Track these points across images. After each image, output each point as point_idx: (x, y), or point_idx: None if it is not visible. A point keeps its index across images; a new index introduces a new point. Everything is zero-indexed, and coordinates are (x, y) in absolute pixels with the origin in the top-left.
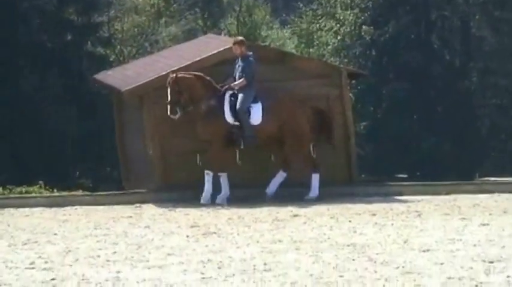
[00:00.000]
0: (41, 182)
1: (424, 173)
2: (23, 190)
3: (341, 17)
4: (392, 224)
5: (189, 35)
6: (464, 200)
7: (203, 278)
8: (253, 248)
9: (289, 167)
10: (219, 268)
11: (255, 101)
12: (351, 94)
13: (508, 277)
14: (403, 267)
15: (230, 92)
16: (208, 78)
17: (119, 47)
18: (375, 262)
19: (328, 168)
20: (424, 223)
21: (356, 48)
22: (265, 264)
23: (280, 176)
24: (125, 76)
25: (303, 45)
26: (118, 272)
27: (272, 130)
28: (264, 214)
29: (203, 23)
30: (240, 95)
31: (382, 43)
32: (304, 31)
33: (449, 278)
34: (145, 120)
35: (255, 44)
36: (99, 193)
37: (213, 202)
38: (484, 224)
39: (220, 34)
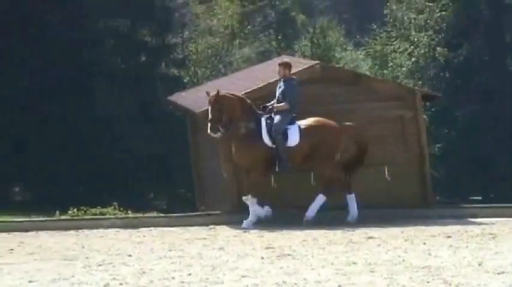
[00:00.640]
0: (115, 203)
1: (498, 195)
2: (98, 211)
3: (415, 39)
4: (467, 247)
5: (263, 56)
6: None
7: None
8: (328, 270)
9: (328, 190)
10: None
11: (292, 123)
12: (425, 116)
13: None
14: None
15: (266, 115)
16: (249, 101)
17: (193, 68)
18: (450, 284)
19: (403, 190)
20: (499, 245)
21: (430, 70)
22: (339, 286)
23: (320, 200)
24: (199, 98)
25: (377, 66)
26: None
27: (306, 151)
28: (339, 236)
29: (277, 44)
30: (277, 117)
31: (456, 65)
32: (378, 53)
33: None
34: (219, 142)
35: (329, 65)
36: (173, 215)
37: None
38: None
39: (294, 56)
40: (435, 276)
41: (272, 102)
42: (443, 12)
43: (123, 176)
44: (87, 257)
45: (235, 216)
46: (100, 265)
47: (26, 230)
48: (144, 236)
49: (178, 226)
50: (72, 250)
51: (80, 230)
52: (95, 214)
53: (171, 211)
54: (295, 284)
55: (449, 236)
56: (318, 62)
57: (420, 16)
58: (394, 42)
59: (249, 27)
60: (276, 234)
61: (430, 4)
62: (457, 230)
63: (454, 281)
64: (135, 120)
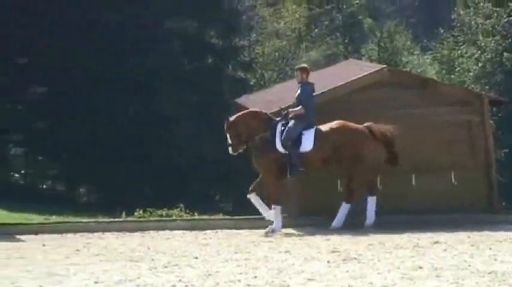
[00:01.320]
0: (181, 205)
1: None
2: (164, 213)
3: (482, 44)
4: None
5: (330, 60)
6: None
7: None
8: (394, 275)
9: (351, 198)
10: None
11: (309, 127)
12: (492, 121)
13: None
14: None
15: (282, 122)
16: (263, 112)
17: (259, 71)
18: None
19: (469, 195)
20: None
21: (497, 76)
22: None
23: (344, 208)
24: (266, 100)
25: (444, 71)
26: None
27: (327, 155)
28: (405, 240)
29: (344, 48)
30: (291, 123)
31: None
32: (445, 57)
33: None
34: None
35: (396, 69)
36: (239, 217)
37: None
38: None
39: (361, 59)
40: (501, 281)
41: (289, 105)
42: (511, 18)
43: (190, 178)
44: (152, 259)
45: (301, 219)
46: (166, 267)
47: (92, 231)
48: (210, 238)
49: (245, 228)
50: (138, 251)
51: (146, 232)
52: (161, 216)
53: (237, 213)
54: None
55: None
56: (385, 66)
57: (488, 21)
58: (461, 47)
59: (316, 30)
60: (342, 238)
61: (498, 9)
62: None
63: None
64: (201, 122)
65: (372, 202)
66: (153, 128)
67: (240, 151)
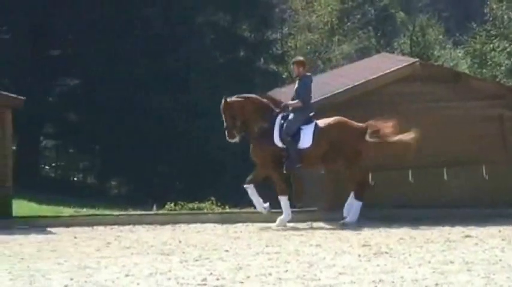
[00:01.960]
0: (212, 198)
1: None
2: (195, 206)
3: None
4: None
5: (362, 53)
6: None
7: None
8: (425, 269)
9: (362, 192)
10: None
11: (308, 122)
12: None
13: None
14: None
15: (282, 114)
16: (263, 100)
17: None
18: None
19: (500, 189)
20: None
21: None
22: (436, 285)
23: (357, 205)
24: None
25: (476, 65)
26: None
27: (324, 151)
28: (436, 234)
29: (376, 41)
30: (290, 116)
31: None
32: (477, 51)
33: None
34: None
35: (429, 63)
36: (270, 211)
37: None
38: None
39: (393, 53)
40: None
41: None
42: None
43: (221, 171)
44: (183, 252)
45: (332, 213)
46: (197, 260)
47: (123, 224)
48: (241, 232)
49: (275, 222)
50: (169, 244)
51: (177, 225)
52: (192, 209)
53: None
54: (392, 282)
55: None
56: (417, 59)
57: None
58: (494, 41)
59: (348, 24)
60: (373, 231)
61: None
62: None
63: None
64: None
65: (357, 205)
66: (185, 121)
67: (236, 138)
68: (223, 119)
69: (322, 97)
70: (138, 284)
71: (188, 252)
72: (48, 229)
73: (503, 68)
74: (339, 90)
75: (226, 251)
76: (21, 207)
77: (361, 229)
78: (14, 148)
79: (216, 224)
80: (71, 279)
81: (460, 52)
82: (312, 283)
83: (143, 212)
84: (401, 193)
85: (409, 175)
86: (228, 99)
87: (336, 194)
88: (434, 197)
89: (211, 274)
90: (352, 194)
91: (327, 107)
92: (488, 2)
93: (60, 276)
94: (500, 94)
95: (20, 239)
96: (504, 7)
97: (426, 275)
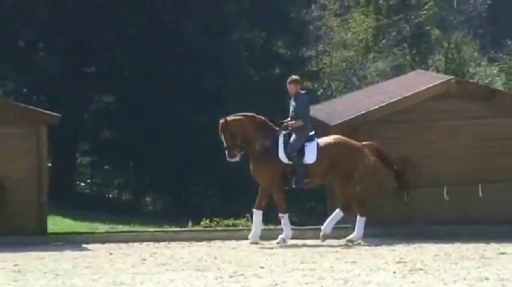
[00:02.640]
0: (248, 215)
1: None
2: (230, 222)
3: None
4: None
5: (397, 70)
6: None
7: None
8: (460, 286)
9: (349, 209)
10: None
11: (310, 139)
12: None
13: None
14: None
15: (284, 132)
16: (262, 118)
17: (326, 81)
18: None
19: None
20: None
21: None
22: None
23: (360, 222)
24: (334, 110)
25: (511, 82)
26: None
27: (325, 168)
28: (471, 251)
29: (411, 59)
30: (293, 136)
31: None
32: None
33: None
34: None
35: (464, 80)
36: (305, 227)
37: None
38: None
39: (428, 70)
40: None
41: (287, 119)
42: None
43: (256, 188)
44: (219, 269)
45: (367, 230)
46: (232, 277)
47: (159, 241)
48: (276, 248)
49: (311, 238)
50: (204, 261)
51: (212, 242)
52: (228, 225)
53: (303, 223)
54: None
55: None
56: (453, 77)
57: None
58: None
59: (383, 41)
60: (408, 248)
61: None
62: None
63: None
64: None
65: (362, 221)
66: (220, 139)
67: (237, 157)
68: (223, 139)
69: (358, 114)
70: None
71: (223, 268)
72: (84, 245)
73: None
74: (374, 107)
75: (262, 267)
76: (56, 223)
77: (396, 245)
78: (50, 164)
79: None
80: None
81: (495, 69)
82: None
83: (178, 229)
84: (436, 210)
85: (444, 191)
86: (227, 119)
87: (372, 212)
88: (469, 213)
89: None
90: (337, 210)
91: (362, 124)
92: None
93: None
94: None
95: (55, 256)
96: None
97: None
